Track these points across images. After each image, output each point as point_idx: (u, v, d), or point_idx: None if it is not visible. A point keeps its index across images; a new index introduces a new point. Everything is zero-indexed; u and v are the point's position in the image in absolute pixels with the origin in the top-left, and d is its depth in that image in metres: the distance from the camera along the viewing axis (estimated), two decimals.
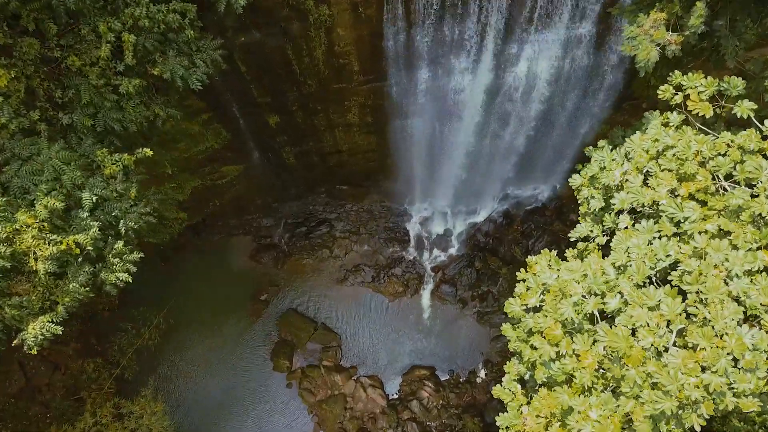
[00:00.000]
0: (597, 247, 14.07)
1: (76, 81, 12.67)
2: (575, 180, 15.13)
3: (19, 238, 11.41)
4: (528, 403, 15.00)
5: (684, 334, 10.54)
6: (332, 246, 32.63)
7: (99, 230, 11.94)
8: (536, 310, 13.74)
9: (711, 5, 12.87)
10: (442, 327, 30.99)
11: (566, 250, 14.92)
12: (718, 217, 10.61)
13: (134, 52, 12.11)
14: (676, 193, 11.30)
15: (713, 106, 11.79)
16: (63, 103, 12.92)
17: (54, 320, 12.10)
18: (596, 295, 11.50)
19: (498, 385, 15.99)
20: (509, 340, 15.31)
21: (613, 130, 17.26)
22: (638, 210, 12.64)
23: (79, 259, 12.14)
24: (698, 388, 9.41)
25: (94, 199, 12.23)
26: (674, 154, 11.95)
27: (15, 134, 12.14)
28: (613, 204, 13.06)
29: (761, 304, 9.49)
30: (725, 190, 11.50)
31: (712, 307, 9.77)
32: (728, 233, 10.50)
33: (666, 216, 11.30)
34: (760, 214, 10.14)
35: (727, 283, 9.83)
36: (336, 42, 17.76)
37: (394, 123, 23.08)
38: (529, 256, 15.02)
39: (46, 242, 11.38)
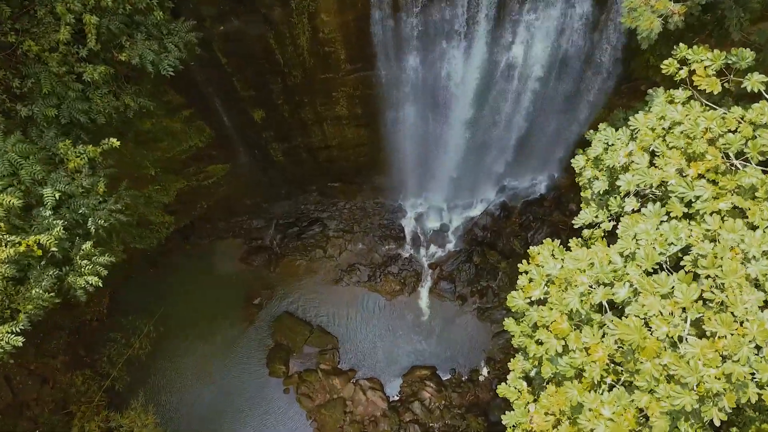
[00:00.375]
0: (603, 234, 13.57)
1: (35, 69, 11.82)
2: (578, 161, 14.63)
3: None
4: (535, 400, 14.57)
5: (700, 322, 10.03)
6: (326, 246, 32.13)
7: (64, 229, 11.19)
8: (540, 302, 13.27)
9: None
10: (441, 325, 30.60)
11: (570, 240, 14.38)
12: (732, 196, 10.08)
13: (97, 35, 11.34)
14: (685, 174, 10.77)
15: (720, 80, 11.27)
16: (21, 94, 12.07)
17: (14, 330, 11.34)
18: (604, 285, 10.97)
19: (503, 384, 15.57)
20: (512, 336, 14.86)
21: (613, 112, 16.76)
22: (645, 192, 12.12)
23: (42, 262, 11.38)
24: (719, 379, 8.88)
25: (57, 195, 11.36)
26: (682, 132, 11.44)
27: None
28: (619, 186, 12.54)
29: None
30: (737, 168, 10.99)
31: (729, 292, 9.25)
32: (743, 212, 9.98)
33: (676, 196, 10.78)
34: None
35: (744, 266, 9.31)
36: (320, 28, 17.14)
37: (384, 114, 22.53)
38: (531, 247, 14.52)
39: (3, 244, 10.63)
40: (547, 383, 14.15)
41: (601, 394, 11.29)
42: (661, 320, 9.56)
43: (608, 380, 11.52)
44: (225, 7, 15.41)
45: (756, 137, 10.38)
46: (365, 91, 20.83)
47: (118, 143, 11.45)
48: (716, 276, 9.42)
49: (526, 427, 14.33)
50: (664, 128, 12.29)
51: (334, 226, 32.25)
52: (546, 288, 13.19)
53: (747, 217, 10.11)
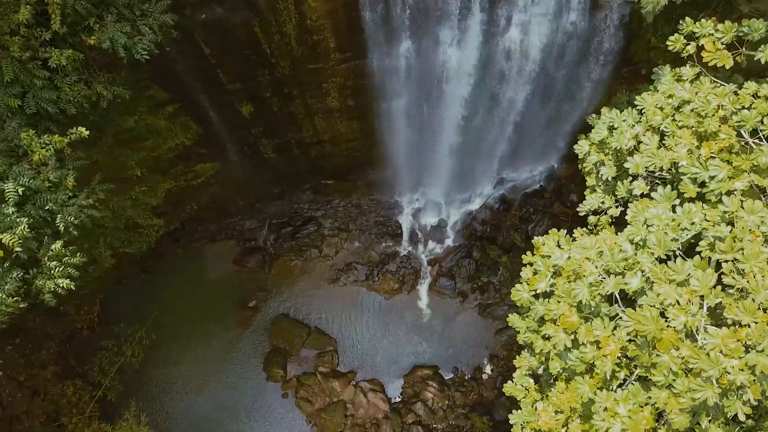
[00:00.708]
0: (610, 220, 13.10)
1: None
2: (581, 146, 14.12)
3: None
4: (545, 398, 14.14)
5: (718, 310, 9.54)
6: (321, 245, 31.67)
7: (30, 228, 10.50)
8: (546, 295, 12.80)
9: None
10: (442, 323, 30.21)
11: (574, 230, 13.87)
12: (749, 175, 9.58)
13: (62, 16, 10.57)
14: (697, 154, 10.28)
15: (732, 54, 10.77)
16: None
17: None
18: (615, 274, 10.47)
19: (509, 382, 15.19)
20: (518, 332, 14.41)
21: (616, 95, 16.30)
22: (655, 174, 11.63)
23: (6, 264, 10.69)
24: (742, 371, 8.37)
25: (21, 190, 10.55)
26: (692, 110, 10.95)
27: None
28: (627, 170, 12.06)
29: None
30: (752, 147, 10.50)
31: (751, 278, 8.75)
32: (763, 191, 9.48)
33: (688, 177, 10.28)
34: None
35: (766, 249, 8.80)
36: (308, 15, 16.54)
37: (378, 106, 21.96)
38: (535, 237, 14.04)
39: None
40: (555, 380, 13.75)
41: (615, 390, 10.81)
42: (678, 309, 9.05)
43: (621, 375, 11.04)
44: None
45: None
46: (357, 82, 20.26)
47: (87, 132, 10.77)
48: (736, 260, 8.91)
49: (534, 425, 13.89)
50: (673, 107, 11.82)
51: (329, 224, 31.77)
52: (552, 280, 12.74)
53: (764, 198, 9.61)
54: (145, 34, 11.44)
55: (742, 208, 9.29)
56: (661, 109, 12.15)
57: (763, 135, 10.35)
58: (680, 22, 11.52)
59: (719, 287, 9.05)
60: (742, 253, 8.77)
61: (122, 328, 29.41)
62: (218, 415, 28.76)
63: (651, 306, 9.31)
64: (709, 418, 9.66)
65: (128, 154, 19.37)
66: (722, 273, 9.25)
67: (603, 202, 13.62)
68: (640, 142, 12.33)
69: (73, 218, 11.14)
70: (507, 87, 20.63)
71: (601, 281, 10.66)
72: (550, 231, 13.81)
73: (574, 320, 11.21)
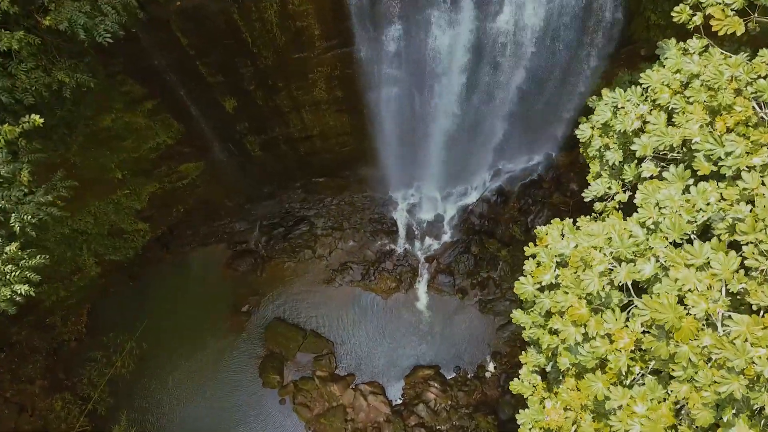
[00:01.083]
0: (617, 206, 12.51)
1: None
2: (583, 130, 13.50)
3: None
4: (553, 395, 13.58)
5: (738, 296, 8.95)
6: (314, 245, 31.21)
7: None
8: (552, 288, 12.24)
9: None
10: (442, 321, 29.84)
11: (578, 218, 13.28)
12: None
13: None
14: (711, 129, 9.69)
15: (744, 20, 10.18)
16: None
17: None
18: (627, 261, 9.87)
19: (515, 379, 14.65)
20: (523, 328, 13.85)
21: (617, 76, 15.69)
22: (664, 155, 11.03)
23: None
24: None
25: None
26: (702, 84, 10.35)
27: None
28: (633, 152, 11.44)
29: None
30: None
31: None
32: None
33: (702, 155, 9.68)
34: None
35: None
36: (289, 0, 15.93)
37: (367, 96, 21.33)
38: (537, 227, 13.44)
39: None
40: (562, 376, 13.20)
41: (630, 386, 10.21)
42: (698, 296, 8.44)
43: (636, 369, 10.44)
44: None
45: None
46: (344, 71, 19.62)
47: (41, 120, 9.95)
48: (759, 241, 8.31)
49: (543, 424, 13.32)
50: (681, 83, 11.22)
51: (322, 224, 31.36)
52: (557, 271, 12.17)
53: None
54: (108, 14, 10.60)
55: (763, 184, 8.69)
56: (668, 86, 11.54)
57: None
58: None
59: (742, 271, 8.46)
60: (766, 233, 8.17)
61: (111, 338, 28.87)
62: (214, 426, 28.27)
63: (668, 293, 8.69)
64: (734, 411, 9.08)
65: (107, 155, 18.69)
66: (743, 255, 8.65)
67: (609, 188, 13.01)
68: (646, 123, 11.74)
69: (29, 217, 10.20)
70: (501, 72, 20.09)
71: (612, 270, 10.06)
72: (552, 221, 13.24)
73: (584, 312, 10.61)
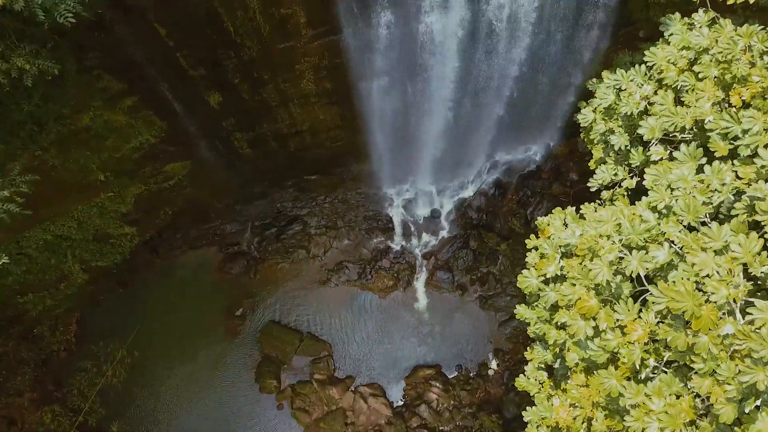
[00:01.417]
0: (626, 193, 12.00)
1: None
2: (585, 115, 12.98)
3: None
4: (562, 392, 13.12)
5: (759, 282, 8.44)
6: (308, 245, 30.78)
7: None
8: (557, 280, 11.75)
9: None
10: (442, 319, 29.48)
11: (582, 206, 12.76)
12: None
13: None
14: (728, 103, 9.17)
15: None
16: None
17: None
18: (638, 248, 9.35)
19: (521, 376, 14.18)
20: (527, 324, 13.39)
21: (617, 56, 15.18)
22: (674, 137, 10.51)
23: None
24: None
25: None
26: (713, 58, 9.82)
27: None
28: (641, 135, 10.92)
29: None
30: None
31: None
32: None
33: (717, 134, 9.16)
34: None
35: None
36: None
37: (358, 87, 20.74)
38: (538, 219, 12.92)
39: None
40: (570, 372, 12.74)
41: (645, 382, 9.69)
42: (718, 281, 7.91)
43: (651, 362, 9.93)
44: None
45: None
46: (333, 61, 19.03)
47: None
48: None
49: (551, 422, 12.85)
50: (688, 60, 10.70)
51: (316, 222, 30.96)
52: (561, 263, 11.67)
53: None
54: None
55: None
56: (674, 63, 11.03)
57: None
58: None
59: (764, 253, 7.94)
60: None
61: (101, 347, 28.36)
62: None
63: (684, 279, 8.17)
64: (757, 403, 8.58)
65: (88, 156, 18.07)
66: (765, 236, 8.13)
67: (616, 174, 12.50)
68: (651, 104, 11.23)
69: None
70: (496, 57, 19.58)
71: (622, 258, 9.54)
72: (554, 210, 12.73)
73: (593, 304, 10.10)
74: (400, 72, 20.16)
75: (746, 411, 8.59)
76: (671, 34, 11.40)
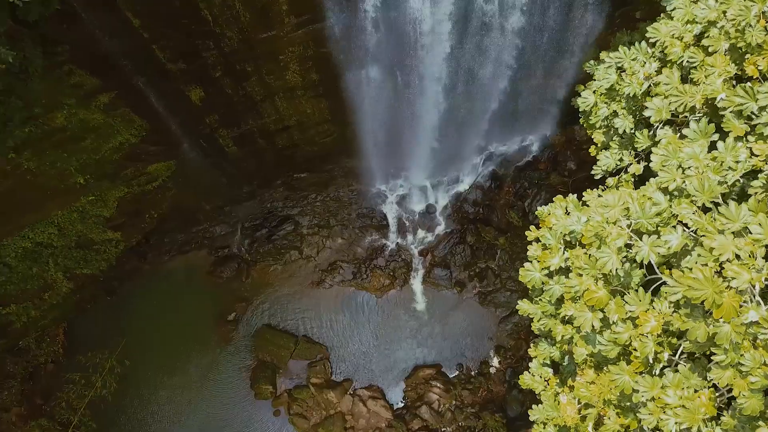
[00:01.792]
0: (632, 179, 11.50)
1: None
2: (586, 98, 12.45)
3: None
4: (569, 389, 12.63)
5: None
6: (301, 245, 30.36)
7: None
8: (561, 272, 11.24)
9: None
10: (441, 317, 29.17)
11: (584, 193, 12.25)
12: None
13: None
14: (745, 76, 8.65)
15: None
16: None
17: None
18: (649, 233, 8.81)
19: (525, 374, 13.70)
20: (531, 319, 12.90)
21: (616, 36, 14.67)
22: (684, 118, 9.98)
23: None
24: None
25: None
26: (722, 30, 9.30)
27: None
28: (648, 117, 10.40)
29: None
30: None
31: None
32: None
33: (731, 112, 8.64)
34: None
35: None
36: None
37: (345, 78, 20.17)
38: (539, 208, 12.39)
39: None
40: (577, 368, 12.24)
41: (660, 375, 9.17)
42: (739, 266, 7.38)
43: (665, 355, 9.41)
44: None
45: None
46: (318, 50, 18.42)
47: None
48: None
49: (558, 421, 12.38)
50: (694, 35, 10.17)
51: (308, 222, 30.54)
52: (565, 254, 11.17)
53: None
54: None
55: None
56: (680, 38, 10.49)
57: None
58: None
59: None
60: None
61: (90, 357, 27.58)
62: None
63: (704, 265, 7.63)
64: None
65: (65, 158, 17.45)
66: None
67: (621, 159, 11.98)
68: (656, 84, 10.70)
69: None
70: (489, 43, 19.07)
71: (631, 245, 9.01)
72: (554, 198, 12.20)
73: (602, 295, 9.59)
74: (388, 61, 19.61)
75: None
76: (674, 9, 10.89)
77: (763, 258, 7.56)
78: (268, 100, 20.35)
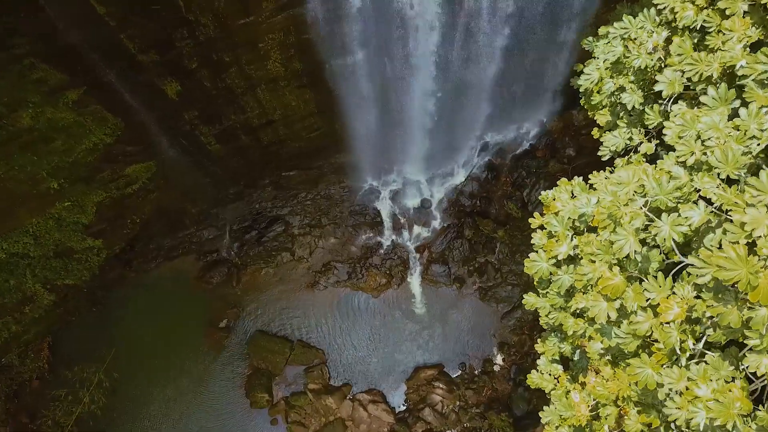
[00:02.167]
0: (643, 159, 10.82)
1: None
2: (590, 73, 11.74)
3: None
4: (581, 385, 11.99)
5: None
6: (292, 247, 29.82)
7: None
8: (569, 261, 10.57)
9: None
10: (441, 315, 28.79)
11: (590, 175, 11.57)
12: None
13: None
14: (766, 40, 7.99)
15: None
16: None
17: None
18: (669, 211, 8.13)
19: (533, 372, 13.03)
20: (536, 314, 12.23)
21: (616, 8, 14.01)
22: (702, 90, 9.30)
23: None
24: None
25: None
26: None
27: None
28: (659, 92, 9.70)
29: None
30: None
31: None
32: None
33: (753, 81, 7.95)
34: None
35: None
36: None
37: (330, 66, 19.42)
38: (542, 194, 11.67)
39: None
40: (589, 363, 11.60)
41: (687, 367, 8.48)
42: None
43: (689, 344, 8.73)
44: None
45: None
46: (300, 36, 17.66)
47: None
48: None
49: (573, 422, 11.71)
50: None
51: (298, 222, 30.00)
52: (574, 241, 10.49)
53: None
54: None
55: None
56: (692, 1, 9.79)
57: None
58: None
59: None
60: None
61: (77, 372, 27.26)
62: None
63: (734, 242, 6.93)
64: None
65: (35, 161, 16.68)
66: None
67: (630, 138, 11.29)
68: (668, 55, 10.02)
69: None
70: (481, 25, 18.39)
71: (648, 225, 8.33)
72: (558, 182, 11.52)
73: (618, 282, 8.91)
74: (376, 46, 18.91)
75: None
76: None
77: None
78: (249, 92, 19.60)
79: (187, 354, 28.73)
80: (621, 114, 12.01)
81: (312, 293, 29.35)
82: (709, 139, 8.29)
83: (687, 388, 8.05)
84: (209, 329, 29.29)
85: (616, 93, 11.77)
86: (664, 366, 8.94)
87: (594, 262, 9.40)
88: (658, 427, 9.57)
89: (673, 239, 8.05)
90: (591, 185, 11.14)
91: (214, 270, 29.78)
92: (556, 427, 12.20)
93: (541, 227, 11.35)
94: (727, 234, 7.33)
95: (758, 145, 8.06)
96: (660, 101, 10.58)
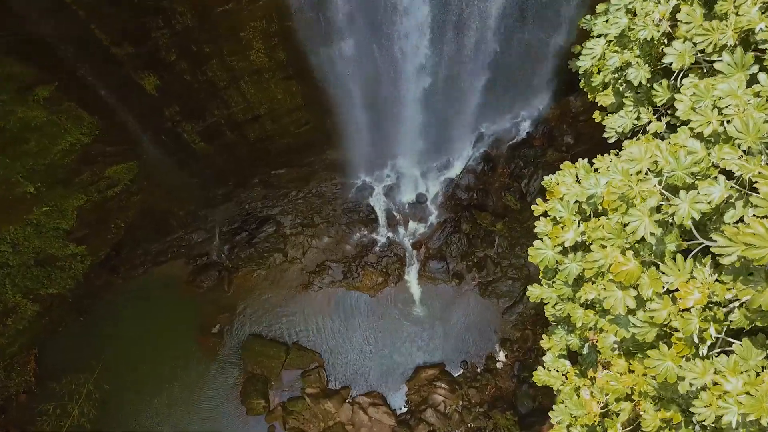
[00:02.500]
0: (653, 139, 10.25)
1: None
2: (592, 48, 11.22)
3: None
4: (590, 381, 11.48)
5: None
6: (285, 247, 29.45)
7: None
8: (576, 249, 10.01)
9: None
10: (440, 312, 28.47)
11: (595, 158, 11.03)
12: None
13: None
14: None
15: None
16: None
17: None
18: (686, 188, 7.55)
19: (540, 369, 12.53)
20: (538, 308, 11.67)
21: None
22: (711, 63, 8.75)
23: None
24: None
25: None
26: None
27: None
28: (668, 66, 9.14)
29: None
30: None
31: None
32: None
33: None
34: None
35: None
36: None
37: (317, 55, 18.84)
38: (545, 179, 11.12)
39: None
40: (598, 356, 11.08)
41: (709, 358, 7.93)
42: None
43: (712, 332, 8.16)
44: None
45: None
46: (283, 24, 17.04)
47: None
48: None
49: (586, 421, 11.16)
50: None
51: (290, 221, 29.62)
52: (581, 227, 9.92)
53: None
54: None
55: None
56: None
57: None
58: None
59: None
60: None
61: (65, 384, 26.58)
62: None
63: (761, 217, 6.37)
64: None
65: (8, 164, 16.03)
66: None
67: (638, 117, 10.73)
68: (674, 26, 9.47)
69: None
70: (474, 8, 17.75)
71: (663, 205, 7.76)
72: (561, 165, 10.94)
73: (632, 267, 8.32)
74: (365, 33, 18.33)
75: None
76: None
77: None
78: (232, 85, 18.99)
79: (180, 361, 28.35)
80: (626, 92, 11.46)
81: (306, 295, 29.02)
82: (727, 107, 7.72)
83: (715, 383, 7.49)
84: (201, 335, 28.91)
85: (622, 68, 11.22)
86: (685, 358, 8.41)
87: (605, 247, 8.82)
88: (679, 423, 9.02)
89: (692, 218, 7.50)
90: (596, 170, 10.62)
91: (205, 274, 29.40)
92: (568, 427, 11.66)
93: (545, 214, 10.82)
94: (753, 208, 6.77)
95: None
96: (668, 77, 10.05)
